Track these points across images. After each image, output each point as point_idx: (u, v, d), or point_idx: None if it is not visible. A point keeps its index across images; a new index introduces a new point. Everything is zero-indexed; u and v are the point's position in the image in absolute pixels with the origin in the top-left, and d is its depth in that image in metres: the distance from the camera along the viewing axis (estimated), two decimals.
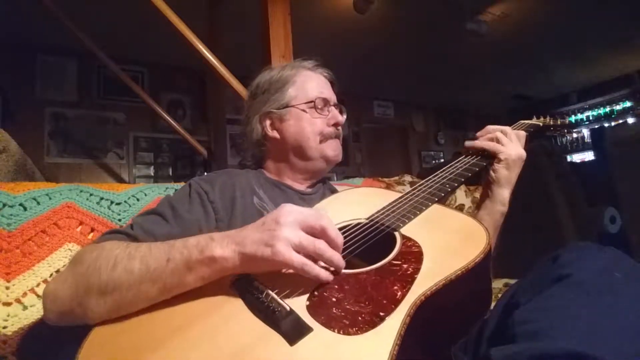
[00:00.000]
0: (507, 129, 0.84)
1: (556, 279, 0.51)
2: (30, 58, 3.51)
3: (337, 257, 0.52)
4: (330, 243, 0.52)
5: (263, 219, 0.53)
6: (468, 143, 0.85)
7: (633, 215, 1.96)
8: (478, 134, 0.86)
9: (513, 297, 0.57)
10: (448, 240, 0.60)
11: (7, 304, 0.70)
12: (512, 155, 0.79)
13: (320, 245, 0.51)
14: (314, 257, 0.51)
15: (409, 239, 0.60)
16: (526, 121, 0.98)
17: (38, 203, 0.80)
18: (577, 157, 4.80)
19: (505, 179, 0.79)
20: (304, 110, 0.86)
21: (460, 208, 1.41)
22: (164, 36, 1.98)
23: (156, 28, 1.95)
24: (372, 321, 0.46)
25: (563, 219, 1.83)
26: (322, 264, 0.52)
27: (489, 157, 0.82)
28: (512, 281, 1.19)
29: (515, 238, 0.84)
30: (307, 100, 0.87)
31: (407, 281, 0.51)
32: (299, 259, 0.49)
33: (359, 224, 0.67)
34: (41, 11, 2.44)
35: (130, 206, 0.89)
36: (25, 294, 0.71)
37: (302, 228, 0.51)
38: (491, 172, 0.80)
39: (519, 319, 0.48)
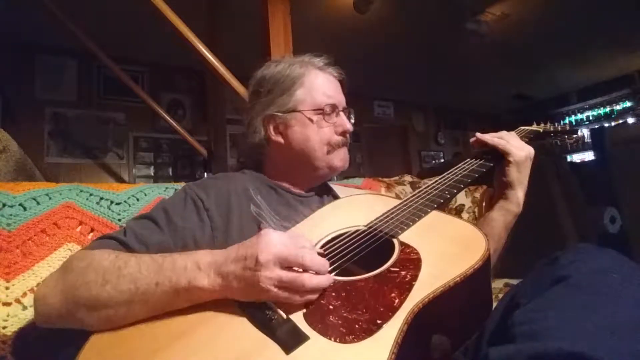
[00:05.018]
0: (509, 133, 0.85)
1: (555, 280, 0.51)
2: (30, 58, 3.50)
3: (323, 281, 0.53)
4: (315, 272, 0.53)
5: (244, 252, 0.52)
6: (479, 135, 0.85)
7: (633, 215, 1.96)
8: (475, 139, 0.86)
9: (513, 298, 0.56)
10: (447, 247, 0.59)
11: (7, 304, 0.70)
12: (521, 155, 0.80)
13: (302, 280, 0.51)
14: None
15: (408, 246, 0.60)
16: (526, 127, 0.98)
17: (38, 203, 0.79)
18: (577, 157, 4.80)
19: (518, 180, 0.80)
20: (310, 118, 0.82)
21: (460, 209, 1.41)
22: (164, 36, 1.98)
23: (156, 28, 1.95)
24: (369, 329, 0.46)
25: (563, 219, 1.83)
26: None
27: (493, 161, 0.82)
28: (512, 281, 1.19)
29: (515, 238, 0.84)
30: (315, 107, 0.82)
31: (405, 288, 0.51)
32: (282, 295, 0.51)
33: (357, 231, 0.66)
34: (41, 11, 2.44)
35: (130, 206, 0.88)
36: (25, 294, 0.71)
37: (282, 264, 0.51)
38: (502, 176, 0.82)
39: (519, 320, 0.48)
